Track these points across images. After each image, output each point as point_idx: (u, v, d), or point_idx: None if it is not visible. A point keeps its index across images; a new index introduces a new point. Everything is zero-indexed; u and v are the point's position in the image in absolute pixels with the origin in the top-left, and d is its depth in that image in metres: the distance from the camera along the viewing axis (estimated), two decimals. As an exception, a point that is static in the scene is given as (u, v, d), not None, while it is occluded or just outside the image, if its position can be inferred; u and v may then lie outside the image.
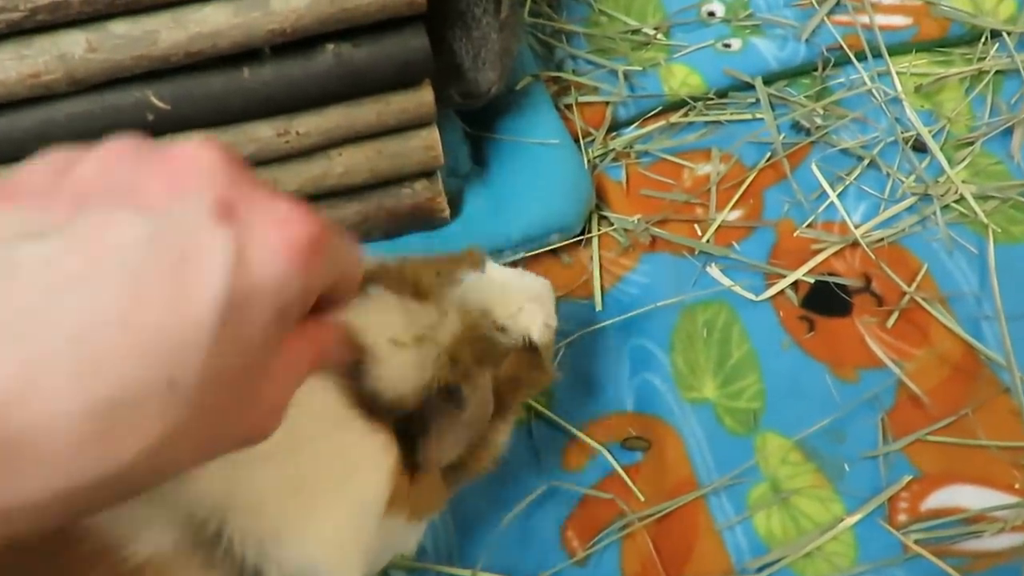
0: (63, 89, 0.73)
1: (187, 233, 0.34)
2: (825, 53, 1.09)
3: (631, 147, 1.06)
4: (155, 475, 0.35)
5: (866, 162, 1.02)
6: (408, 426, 0.63)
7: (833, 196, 1.00)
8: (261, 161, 0.83)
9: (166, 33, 0.72)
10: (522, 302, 0.70)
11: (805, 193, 1.01)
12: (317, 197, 0.89)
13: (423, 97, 0.84)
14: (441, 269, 0.69)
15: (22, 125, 0.74)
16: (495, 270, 0.72)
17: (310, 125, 0.82)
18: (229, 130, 0.80)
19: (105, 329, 0.31)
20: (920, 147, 1.04)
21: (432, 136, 0.87)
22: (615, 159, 1.05)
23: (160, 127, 0.78)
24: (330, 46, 0.78)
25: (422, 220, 0.94)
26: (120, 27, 0.72)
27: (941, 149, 1.02)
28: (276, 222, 0.35)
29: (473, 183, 0.99)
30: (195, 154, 0.37)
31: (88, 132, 0.76)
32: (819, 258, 0.96)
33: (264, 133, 0.81)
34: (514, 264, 0.96)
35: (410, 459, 0.65)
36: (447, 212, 0.94)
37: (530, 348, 0.71)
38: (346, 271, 0.41)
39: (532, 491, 0.82)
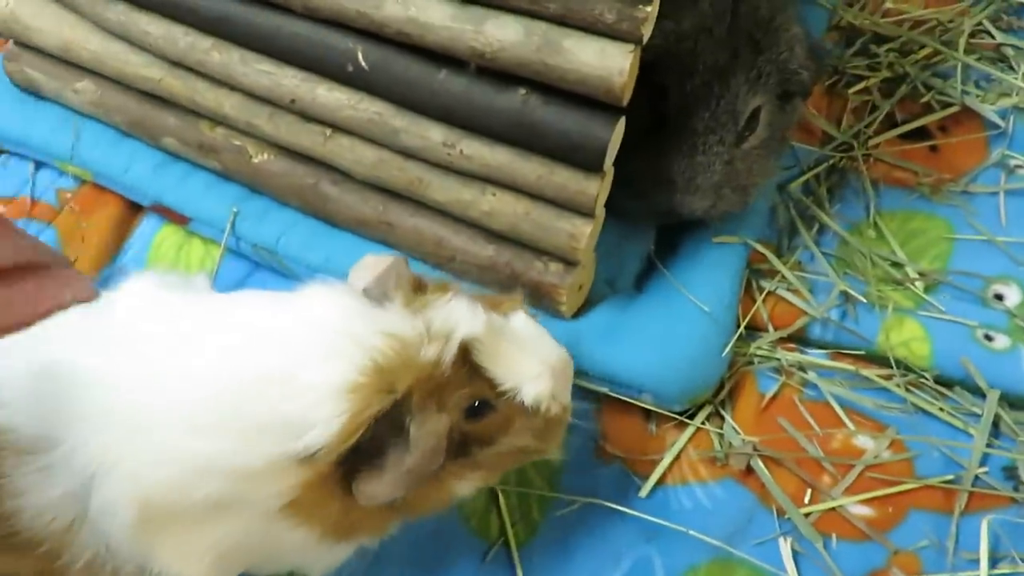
0: (298, 9, 0.80)
1: None
2: (1102, 413, 0.84)
3: (802, 370, 0.90)
4: None
5: (1061, 562, 0.76)
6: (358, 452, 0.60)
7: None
8: (420, 158, 0.84)
9: (391, 5, 0.76)
10: (534, 363, 0.65)
11: (961, 548, 0.78)
12: (457, 221, 0.88)
13: (587, 187, 0.78)
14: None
15: (256, 20, 0.83)
16: (520, 320, 0.68)
17: (476, 151, 0.81)
18: (407, 116, 0.82)
19: None
20: None
21: (582, 229, 0.82)
22: (776, 370, 0.90)
23: (353, 82, 0.82)
24: (522, 90, 0.76)
25: (538, 299, 0.88)
26: (359, -19, 0.77)
27: None
28: None
29: (614, 299, 0.91)
30: None
31: (294, 53, 0.83)
32: (913, 620, 0.73)
33: (434, 136, 0.82)
34: (596, 399, 0.87)
35: (349, 482, 0.62)
36: (565, 307, 0.88)
37: (532, 414, 0.65)
38: None
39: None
